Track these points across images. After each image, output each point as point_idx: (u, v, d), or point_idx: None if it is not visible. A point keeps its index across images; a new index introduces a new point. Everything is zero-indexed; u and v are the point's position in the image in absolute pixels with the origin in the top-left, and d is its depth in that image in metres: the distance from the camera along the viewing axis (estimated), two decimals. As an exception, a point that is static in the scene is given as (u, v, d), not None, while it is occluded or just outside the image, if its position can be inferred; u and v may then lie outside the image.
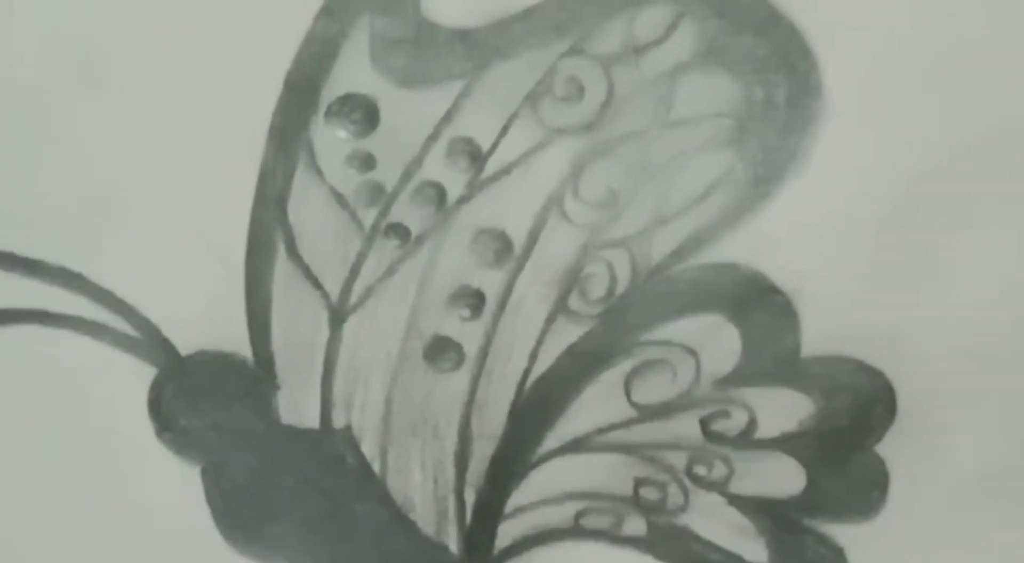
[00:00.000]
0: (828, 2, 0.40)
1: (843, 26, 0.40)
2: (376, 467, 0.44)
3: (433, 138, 0.42)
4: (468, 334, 0.43)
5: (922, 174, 0.41)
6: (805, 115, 0.41)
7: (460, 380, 0.43)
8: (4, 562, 0.45)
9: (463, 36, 0.42)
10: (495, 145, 0.42)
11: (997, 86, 0.40)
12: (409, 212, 0.43)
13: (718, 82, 0.41)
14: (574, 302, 0.43)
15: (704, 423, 0.43)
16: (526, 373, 0.43)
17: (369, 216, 0.43)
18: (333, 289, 0.43)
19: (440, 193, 0.43)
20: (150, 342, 0.44)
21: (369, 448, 0.44)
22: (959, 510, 0.42)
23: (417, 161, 0.43)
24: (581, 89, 0.42)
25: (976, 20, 0.40)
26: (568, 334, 0.43)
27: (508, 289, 0.43)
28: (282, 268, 0.43)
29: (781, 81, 0.41)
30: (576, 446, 0.43)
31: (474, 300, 0.43)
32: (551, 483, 0.44)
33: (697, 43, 0.41)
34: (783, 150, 0.41)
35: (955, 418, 0.42)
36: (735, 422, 0.43)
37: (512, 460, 0.44)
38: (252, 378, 0.44)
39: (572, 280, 0.43)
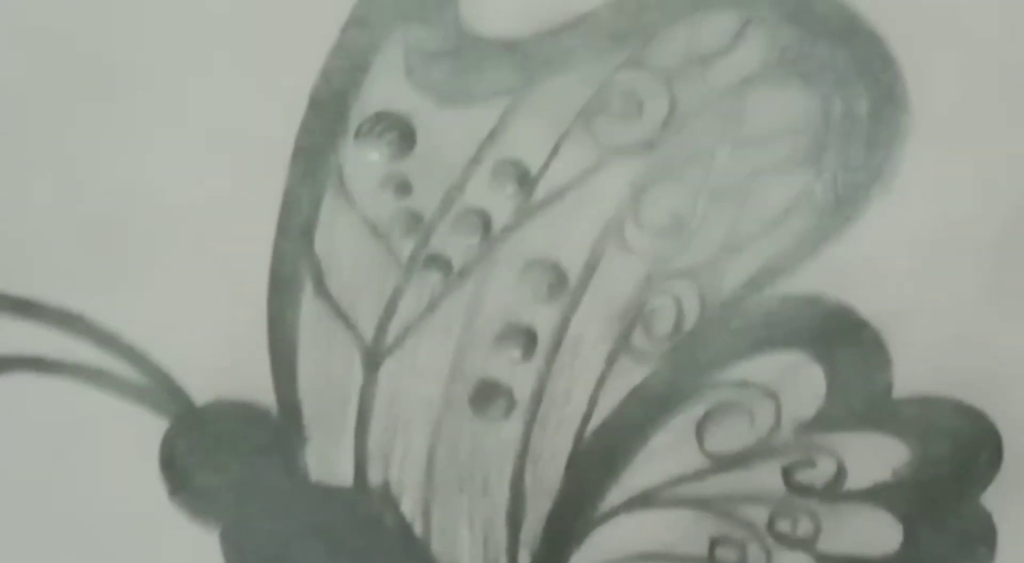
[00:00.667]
0: (913, 5, 0.44)
1: (931, 31, 0.44)
2: (418, 528, 0.48)
3: (476, 160, 0.46)
4: (519, 377, 0.47)
5: None
6: (890, 130, 0.44)
7: (511, 429, 0.47)
8: None
9: (509, 47, 0.45)
10: (545, 167, 0.46)
11: None
12: (451, 242, 0.46)
13: (792, 95, 0.45)
14: (637, 340, 0.47)
15: (787, 473, 0.47)
16: (585, 420, 0.47)
17: (406, 247, 0.46)
18: (367, 328, 0.47)
19: (485, 221, 0.46)
20: (161, 391, 0.47)
21: (410, 507, 0.48)
22: None
23: (459, 186, 0.46)
24: (640, 104, 0.45)
25: None
26: (632, 375, 0.47)
27: (563, 326, 0.47)
28: (309, 306, 0.47)
29: (862, 93, 0.44)
30: (643, 501, 0.47)
31: (525, 339, 0.47)
32: (616, 543, 0.47)
33: (768, 52, 0.45)
34: (867, 169, 0.45)
35: None
36: (821, 472, 0.47)
37: (571, 518, 0.47)
38: (277, 430, 0.47)
39: (635, 315, 0.46)
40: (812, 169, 0.45)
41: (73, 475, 0.48)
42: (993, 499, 0.46)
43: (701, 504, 0.47)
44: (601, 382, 0.47)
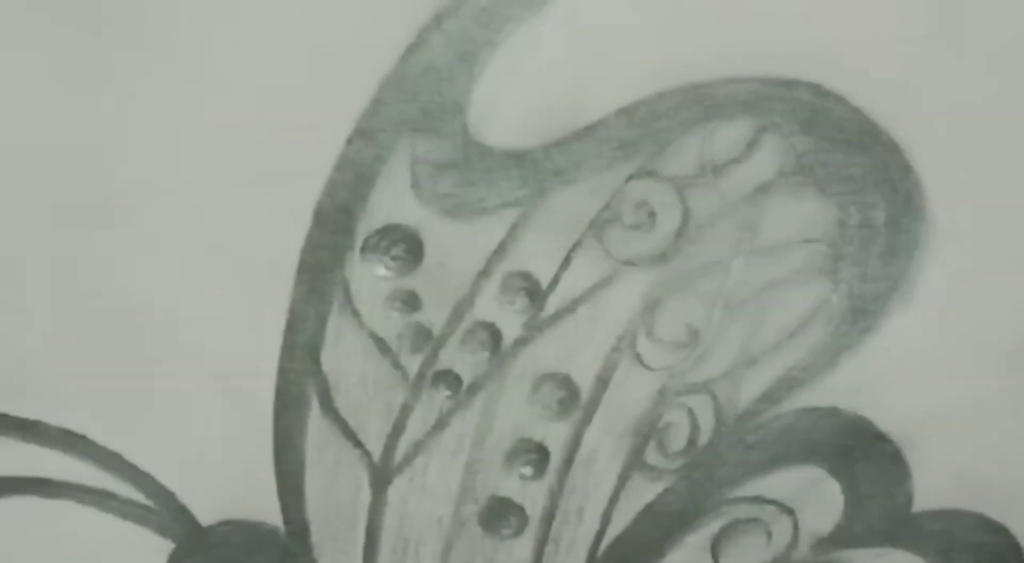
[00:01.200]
0: (931, 113, 0.42)
1: (950, 140, 0.42)
2: None
3: (485, 274, 0.44)
4: (531, 495, 0.44)
5: None
6: (908, 239, 0.42)
7: (523, 548, 0.44)
8: None
9: (517, 158, 0.43)
10: (556, 280, 0.44)
11: None
12: (460, 358, 0.44)
13: (808, 204, 0.43)
14: (651, 456, 0.44)
15: (805, 590, 0.43)
16: (599, 538, 0.44)
17: (414, 363, 0.44)
18: (375, 447, 0.44)
19: (495, 336, 0.44)
20: (166, 512, 0.45)
21: None
22: None
23: (468, 300, 0.44)
24: (653, 215, 0.43)
25: None
26: (646, 492, 0.44)
27: (575, 443, 0.44)
28: (316, 424, 0.44)
29: (880, 202, 0.42)
30: None
31: (537, 456, 0.44)
32: None
33: (783, 161, 0.43)
34: (885, 279, 0.43)
35: None
36: (841, 589, 0.43)
37: None
38: (284, 551, 0.45)
39: (648, 430, 0.44)
40: (829, 279, 0.43)
41: None
42: None
43: None
44: (614, 499, 0.44)
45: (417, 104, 0.43)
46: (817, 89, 0.42)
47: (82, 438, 0.45)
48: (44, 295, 0.45)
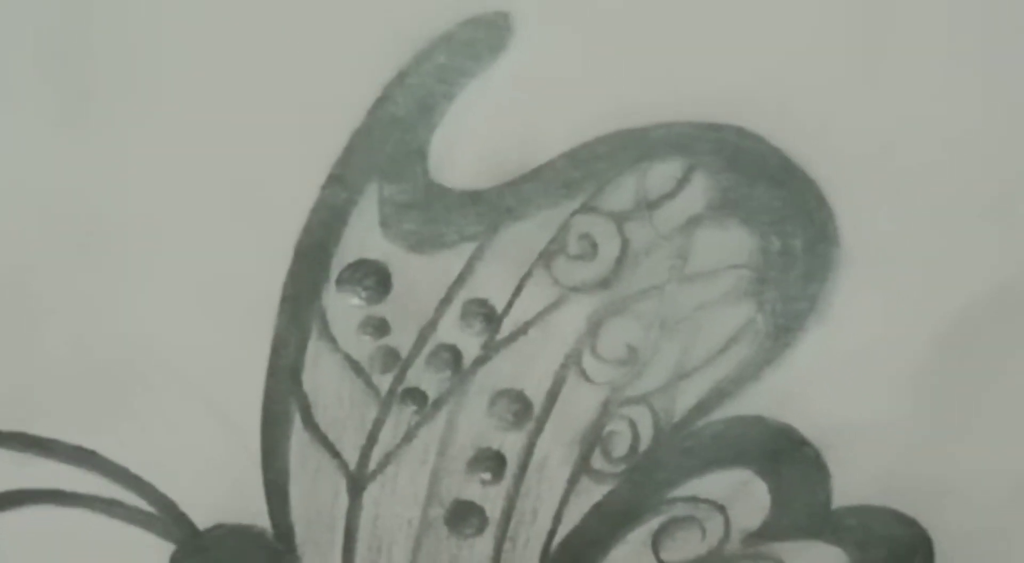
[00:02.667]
0: (843, 151, 0.40)
1: (860, 173, 0.40)
2: None
3: (447, 301, 0.42)
4: (490, 498, 0.42)
5: (954, 319, 0.40)
6: (824, 263, 0.40)
7: (484, 545, 0.42)
8: None
9: (473, 198, 0.41)
10: (510, 306, 0.41)
11: None
12: (425, 376, 0.42)
13: (734, 234, 0.41)
14: (597, 461, 0.42)
15: (737, 580, 0.41)
16: (551, 535, 0.42)
17: (385, 382, 0.42)
18: (351, 457, 0.42)
19: (456, 356, 0.42)
20: (167, 517, 0.42)
21: None
22: None
23: (431, 325, 0.42)
24: (595, 246, 0.41)
25: (1010, 158, 0.40)
26: (592, 493, 0.42)
27: (529, 450, 0.42)
28: (298, 438, 0.42)
29: (798, 231, 0.40)
30: None
31: (495, 463, 0.42)
32: None
33: (710, 195, 0.41)
34: (803, 299, 0.41)
35: None
36: (769, 578, 0.41)
37: None
38: (272, 551, 0.42)
39: (594, 439, 0.42)
40: (754, 301, 0.41)
41: None
42: None
43: None
44: (565, 501, 0.42)
45: (383, 152, 0.41)
46: (740, 131, 0.40)
47: (93, 454, 0.42)
48: (57, 330, 0.42)
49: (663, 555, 0.42)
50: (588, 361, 0.41)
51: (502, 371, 0.41)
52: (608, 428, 0.41)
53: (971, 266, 0.40)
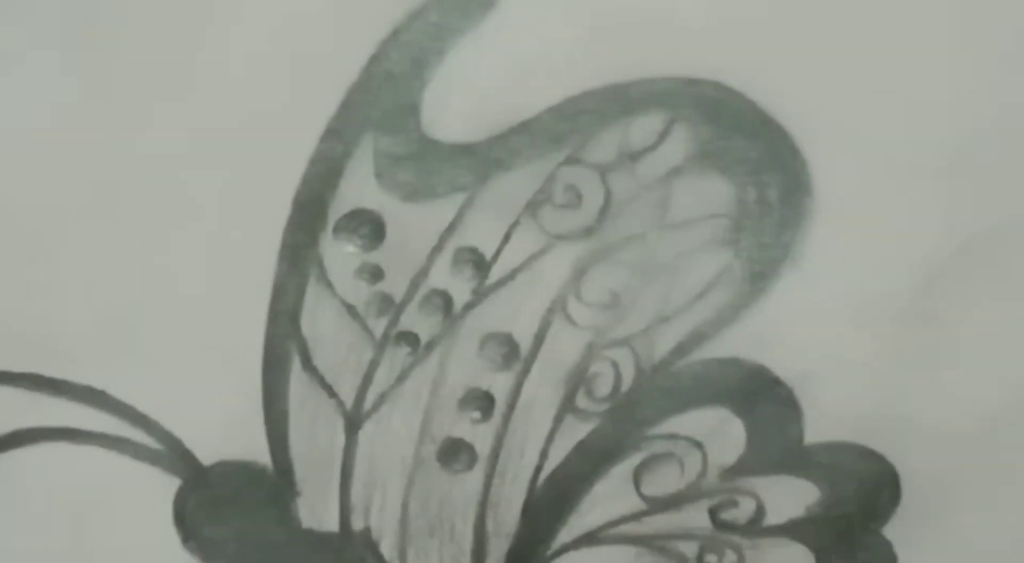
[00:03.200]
0: (818, 103, 0.39)
1: (833, 125, 0.39)
2: None
3: (438, 249, 0.41)
4: (480, 436, 0.41)
5: (920, 266, 0.39)
6: (797, 212, 0.40)
7: (474, 481, 0.41)
8: None
9: (464, 150, 0.40)
10: (498, 253, 0.41)
11: (994, 181, 0.39)
12: (418, 320, 0.41)
13: (712, 184, 0.40)
14: (581, 401, 0.41)
15: (713, 513, 0.41)
16: (537, 471, 0.41)
17: (379, 326, 0.41)
18: (347, 397, 0.41)
19: (447, 301, 0.41)
20: (173, 454, 0.42)
21: (388, 550, 0.42)
22: None
23: (423, 271, 0.41)
24: (579, 196, 0.40)
25: (970, 116, 0.39)
26: (576, 431, 0.41)
27: (517, 391, 0.41)
28: (297, 379, 0.41)
29: (773, 181, 0.40)
30: (589, 540, 0.41)
31: (484, 402, 0.41)
32: None
33: (690, 148, 0.40)
34: (778, 247, 0.40)
35: (960, 500, 0.40)
36: (743, 511, 0.41)
37: (527, 557, 0.41)
38: (272, 486, 0.42)
39: (578, 380, 0.41)
40: (731, 248, 0.40)
41: (101, 527, 0.43)
42: (893, 531, 0.40)
43: (639, 541, 0.41)
44: (550, 438, 0.41)
45: (378, 106, 0.40)
46: (718, 86, 0.40)
47: (103, 393, 0.42)
48: (70, 276, 0.42)
49: (644, 489, 0.41)
50: (573, 306, 0.40)
51: (491, 315, 0.41)
52: (592, 369, 0.41)
53: (937, 215, 0.39)
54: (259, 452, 0.42)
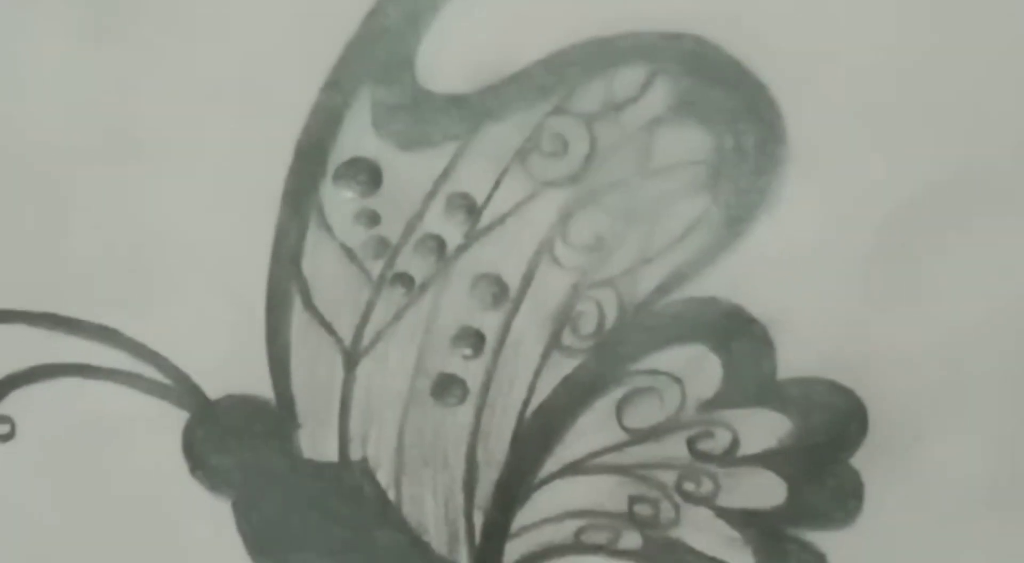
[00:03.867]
0: (791, 58, 0.38)
1: (806, 78, 0.38)
2: (392, 495, 0.41)
3: (432, 194, 0.40)
4: (471, 371, 0.40)
5: (886, 210, 0.38)
6: (773, 160, 0.39)
7: (465, 413, 0.41)
8: None
9: (456, 101, 0.39)
10: (489, 199, 0.40)
11: (956, 132, 0.38)
12: (413, 262, 0.40)
13: (692, 133, 0.39)
14: (567, 338, 0.40)
15: (691, 443, 0.40)
16: (525, 404, 0.40)
17: (376, 267, 0.40)
18: (346, 335, 0.41)
19: (440, 244, 0.40)
20: (182, 389, 0.41)
21: (384, 478, 0.41)
22: (930, 516, 0.40)
23: (418, 216, 0.40)
24: (566, 144, 0.39)
25: (939, 71, 0.38)
26: (563, 367, 0.40)
27: (506, 329, 0.40)
28: (299, 318, 0.41)
29: (749, 130, 0.39)
30: (574, 469, 0.41)
31: (475, 340, 0.40)
32: (552, 504, 0.41)
33: (671, 98, 0.39)
34: (754, 192, 0.39)
35: (923, 431, 0.39)
36: (719, 442, 0.40)
37: (515, 484, 0.41)
38: (275, 418, 0.41)
39: (564, 318, 0.40)
40: (709, 194, 0.39)
41: (114, 457, 0.42)
42: (861, 460, 0.40)
43: (621, 470, 0.40)
44: (538, 373, 0.40)
45: (375, 59, 0.39)
46: (698, 39, 0.38)
47: (115, 332, 0.41)
48: (84, 217, 0.41)
49: (626, 422, 0.40)
50: (559, 248, 0.40)
51: (482, 257, 0.40)
52: (577, 308, 0.40)
53: (902, 163, 0.38)
54: (262, 386, 0.41)
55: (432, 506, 0.41)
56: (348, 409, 0.41)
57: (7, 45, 0.40)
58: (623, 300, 0.40)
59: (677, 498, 0.40)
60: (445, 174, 0.40)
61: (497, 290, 0.40)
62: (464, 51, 0.39)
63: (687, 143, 0.39)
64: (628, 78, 0.39)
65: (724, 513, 0.40)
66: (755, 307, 0.39)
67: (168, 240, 0.41)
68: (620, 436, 0.40)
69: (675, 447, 0.40)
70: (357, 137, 0.40)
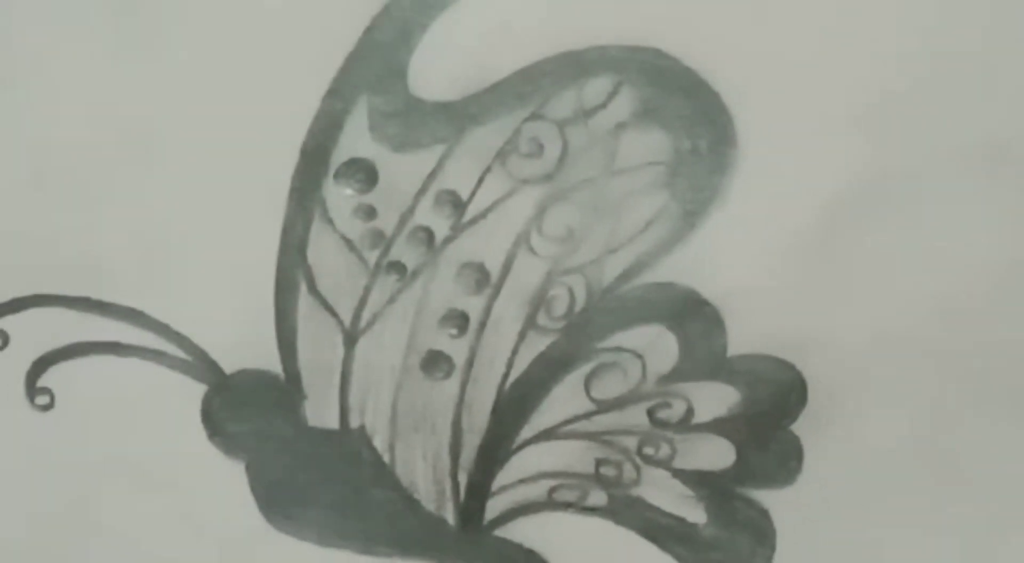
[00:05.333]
0: (741, 69, 0.37)
1: (755, 87, 0.37)
2: (386, 459, 0.40)
3: (422, 191, 0.38)
4: (457, 349, 0.39)
5: (824, 206, 0.37)
6: (724, 160, 0.37)
7: (451, 386, 0.39)
8: (81, 556, 0.41)
9: (444, 108, 0.38)
10: (473, 195, 0.38)
11: (889, 135, 0.37)
12: (405, 252, 0.39)
13: (653, 136, 0.37)
14: (541, 319, 0.38)
15: (650, 412, 0.39)
16: (504, 378, 0.39)
17: (373, 257, 0.39)
18: (346, 317, 0.39)
19: (429, 235, 0.38)
20: (200, 365, 0.40)
21: (380, 444, 0.40)
22: (860, 475, 0.38)
23: (410, 210, 0.38)
24: (541, 147, 0.38)
25: (871, 82, 0.37)
26: (537, 345, 0.39)
27: (487, 311, 0.39)
28: (304, 301, 0.39)
29: (704, 134, 0.37)
30: (547, 435, 0.39)
31: (460, 321, 0.39)
32: (528, 466, 0.39)
33: (635, 105, 0.37)
34: (707, 189, 0.37)
35: (856, 402, 0.38)
36: (676, 411, 0.39)
37: (496, 448, 0.39)
38: (283, 391, 0.39)
39: (539, 301, 0.38)
40: (667, 191, 0.37)
41: (140, 426, 0.41)
42: (800, 428, 0.38)
43: (589, 436, 0.39)
44: (515, 350, 0.39)
45: (372, 70, 0.38)
46: (659, 53, 0.37)
47: (142, 314, 0.40)
48: (114, 212, 0.39)
49: (593, 393, 0.39)
50: (535, 239, 0.38)
51: (466, 248, 0.38)
52: (550, 293, 0.38)
53: (840, 164, 0.37)
54: (272, 362, 0.39)
55: (422, 468, 0.39)
56: (348, 382, 0.39)
57: (45, 61, 0.39)
58: (591, 285, 0.38)
59: (638, 461, 0.39)
60: (434, 173, 0.38)
61: (480, 277, 0.38)
62: (450, 63, 0.38)
63: (648, 145, 0.37)
64: (596, 87, 0.37)
65: (680, 474, 0.39)
66: (707, 291, 0.38)
67: (188, 233, 0.39)
68: (588, 406, 0.39)
69: (636, 416, 0.39)
70: (355, 140, 0.38)
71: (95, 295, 0.40)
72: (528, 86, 0.38)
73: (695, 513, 0.39)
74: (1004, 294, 0.37)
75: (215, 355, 0.40)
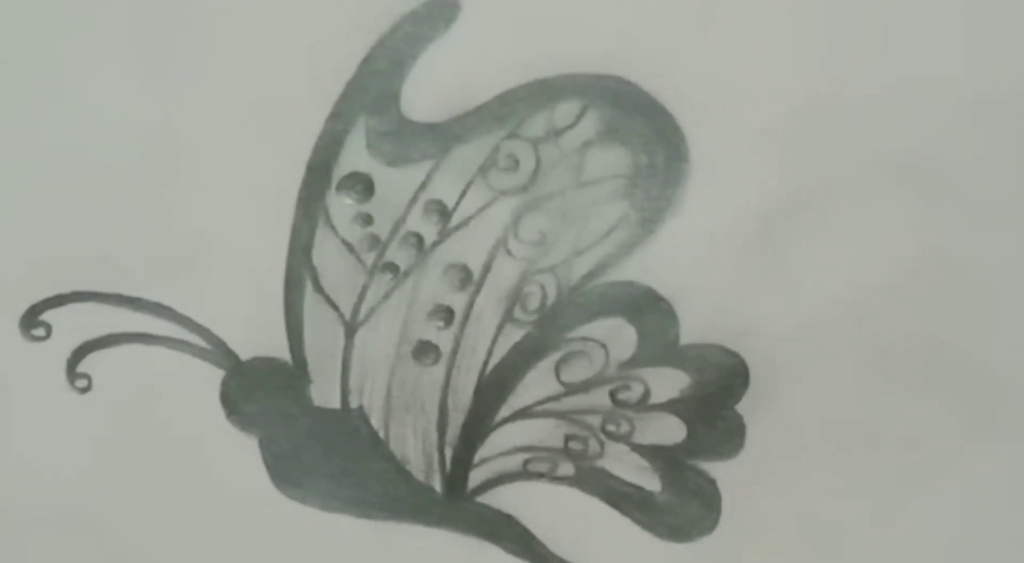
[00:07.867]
0: (692, 93, 0.36)
1: (703, 109, 0.36)
2: (382, 435, 0.39)
3: (413, 201, 0.37)
4: (443, 339, 0.38)
5: (763, 209, 0.36)
6: (677, 174, 0.36)
7: (439, 371, 0.38)
8: (115, 516, 0.40)
9: (432, 128, 0.37)
10: (457, 204, 0.37)
11: (817, 146, 0.36)
12: (398, 254, 0.38)
13: (615, 152, 0.37)
14: (517, 313, 0.38)
15: (612, 394, 0.38)
16: (485, 364, 0.38)
17: (370, 258, 0.38)
18: (346, 310, 0.38)
19: (420, 240, 0.38)
20: (219, 352, 0.39)
21: (376, 422, 0.39)
22: (796, 449, 0.38)
23: (403, 218, 0.38)
24: (517, 162, 0.37)
25: (804, 103, 0.36)
26: (514, 336, 0.38)
27: (470, 306, 0.38)
28: (310, 297, 0.38)
29: (660, 150, 0.36)
30: (522, 414, 0.38)
31: (446, 314, 0.38)
32: (505, 441, 0.38)
33: (599, 125, 0.37)
34: (663, 199, 0.37)
35: (792, 384, 0.37)
36: (634, 393, 0.38)
37: (477, 426, 0.38)
38: (291, 375, 0.38)
39: (515, 298, 0.38)
40: (627, 201, 0.37)
41: (166, 406, 0.39)
42: (744, 408, 0.37)
43: (559, 415, 0.38)
44: (494, 341, 0.38)
45: (369, 95, 0.37)
46: (620, 79, 0.36)
47: (168, 308, 0.39)
48: (143, 218, 0.38)
49: (562, 378, 0.38)
50: (512, 243, 0.37)
51: (452, 250, 0.38)
52: (525, 290, 0.37)
53: (775, 174, 0.36)
54: (281, 350, 0.38)
55: (413, 443, 0.38)
56: (348, 368, 0.38)
57: (84, 84, 0.38)
58: (561, 284, 0.37)
59: (602, 436, 0.38)
60: (423, 185, 0.37)
61: (464, 276, 0.37)
62: (437, 89, 0.37)
63: (611, 161, 0.37)
64: (565, 110, 0.37)
65: (638, 448, 0.38)
66: (662, 288, 0.37)
67: (208, 237, 0.39)
68: (558, 389, 0.38)
69: (600, 397, 0.38)
70: (355, 156, 0.38)
71: (127, 292, 0.39)
72: (505, 109, 0.37)
73: (651, 482, 0.38)
74: (911, 288, 0.37)
75: (232, 344, 0.39)
